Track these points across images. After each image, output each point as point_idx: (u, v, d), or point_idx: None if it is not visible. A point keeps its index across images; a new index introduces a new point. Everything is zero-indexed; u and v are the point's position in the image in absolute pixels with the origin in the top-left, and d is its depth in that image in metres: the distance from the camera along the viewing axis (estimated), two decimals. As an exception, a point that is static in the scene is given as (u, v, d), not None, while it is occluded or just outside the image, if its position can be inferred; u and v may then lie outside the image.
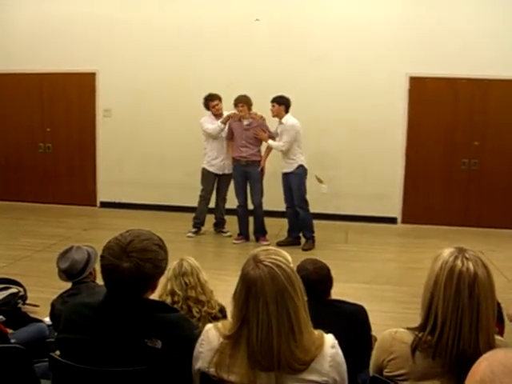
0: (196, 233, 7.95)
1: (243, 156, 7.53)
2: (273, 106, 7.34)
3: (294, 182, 7.38)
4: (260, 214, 7.64)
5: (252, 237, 7.74)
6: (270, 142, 7.48)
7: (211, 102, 7.69)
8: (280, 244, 7.22)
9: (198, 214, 7.94)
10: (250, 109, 7.46)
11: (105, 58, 9.31)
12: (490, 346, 1.91)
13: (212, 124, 7.66)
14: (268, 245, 7.09)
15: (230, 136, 7.68)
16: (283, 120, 7.33)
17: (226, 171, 7.85)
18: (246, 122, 7.50)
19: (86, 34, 9.29)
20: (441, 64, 8.45)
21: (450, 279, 1.93)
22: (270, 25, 8.76)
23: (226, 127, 7.65)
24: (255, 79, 8.44)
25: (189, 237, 7.82)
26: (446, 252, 2.01)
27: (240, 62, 8.82)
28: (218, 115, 7.71)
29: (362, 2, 8.72)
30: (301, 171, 7.40)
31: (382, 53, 8.59)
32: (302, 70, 8.70)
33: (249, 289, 1.91)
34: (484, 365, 1.11)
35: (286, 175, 7.47)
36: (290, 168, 7.41)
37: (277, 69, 8.65)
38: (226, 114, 7.67)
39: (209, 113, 7.78)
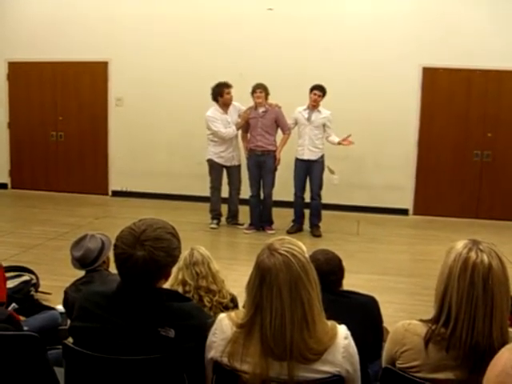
0: (218, 224, 7.89)
1: (259, 145, 7.49)
2: (319, 96, 7.37)
3: (318, 171, 7.47)
4: (269, 203, 7.69)
5: (262, 226, 7.80)
6: (331, 139, 7.47)
7: (226, 88, 7.50)
8: (290, 232, 7.36)
9: (214, 206, 7.87)
10: (266, 98, 7.46)
11: (117, 48, 9.30)
12: (504, 338, 1.90)
13: (221, 119, 7.55)
14: (274, 234, 7.30)
15: (246, 128, 7.66)
16: (320, 108, 7.41)
17: (235, 162, 7.80)
18: (261, 110, 7.48)
19: (98, 24, 9.28)
20: (454, 55, 8.38)
21: (463, 271, 1.92)
22: (283, 14, 8.71)
23: None
24: (267, 68, 8.41)
25: (212, 228, 7.78)
26: (460, 244, 1.99)
27: (252, 51, 8.79)
28: (227, 105, 7.62)
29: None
30: (323, 160, 7.51)
31: (395, 43, 8.52)
32: (315, 61, 8.64)
33: (263, 277, 1.91)
34: (506, 356, 1.09)
35: (308, 162, 7.45)
36: (314, 156, 7.44)
37: (289, 59, 8.61)
38: (237, 103, 7.63)
39: (215, 105, 7.60)
